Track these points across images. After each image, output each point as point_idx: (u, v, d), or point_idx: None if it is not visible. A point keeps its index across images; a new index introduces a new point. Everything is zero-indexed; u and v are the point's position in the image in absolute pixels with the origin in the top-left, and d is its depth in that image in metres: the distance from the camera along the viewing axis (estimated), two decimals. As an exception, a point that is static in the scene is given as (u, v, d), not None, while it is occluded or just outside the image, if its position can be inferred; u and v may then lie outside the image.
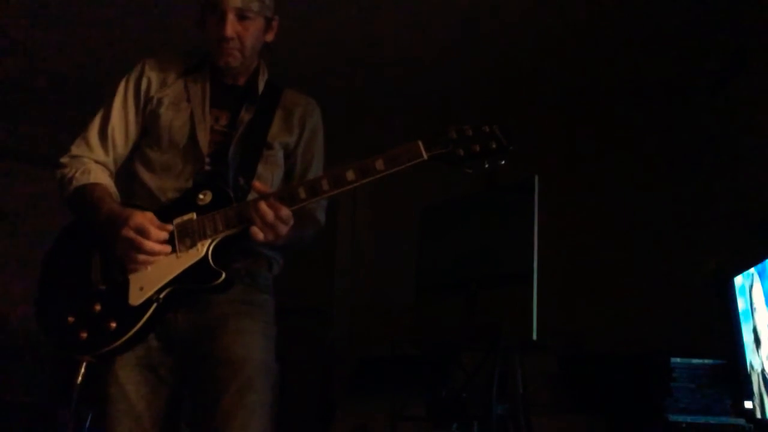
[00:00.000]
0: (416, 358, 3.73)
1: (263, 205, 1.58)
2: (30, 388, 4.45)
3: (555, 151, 4.19)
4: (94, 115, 1.84)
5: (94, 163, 1.79)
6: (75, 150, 1.81)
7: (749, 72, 3.37)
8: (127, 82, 1.85)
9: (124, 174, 1.86)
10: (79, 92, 4.49)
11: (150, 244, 1.59)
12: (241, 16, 1.74)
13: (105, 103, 1.84)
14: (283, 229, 1.60)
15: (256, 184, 1.67)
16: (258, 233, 1.59)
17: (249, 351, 1.68)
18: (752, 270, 2.46)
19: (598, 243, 4.05)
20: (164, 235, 1.62)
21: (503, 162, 1.61)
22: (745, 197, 3.36)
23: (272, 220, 1.58)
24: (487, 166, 1.61)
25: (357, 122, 4.63)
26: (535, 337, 2.56)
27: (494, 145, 1.59)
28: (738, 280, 2.59)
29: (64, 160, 1.80)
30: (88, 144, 1.81)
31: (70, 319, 1.62)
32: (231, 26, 1.72)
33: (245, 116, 1.82)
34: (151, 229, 1.60)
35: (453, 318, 2.94)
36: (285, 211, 1.59)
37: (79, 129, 1.84)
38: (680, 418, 2.66)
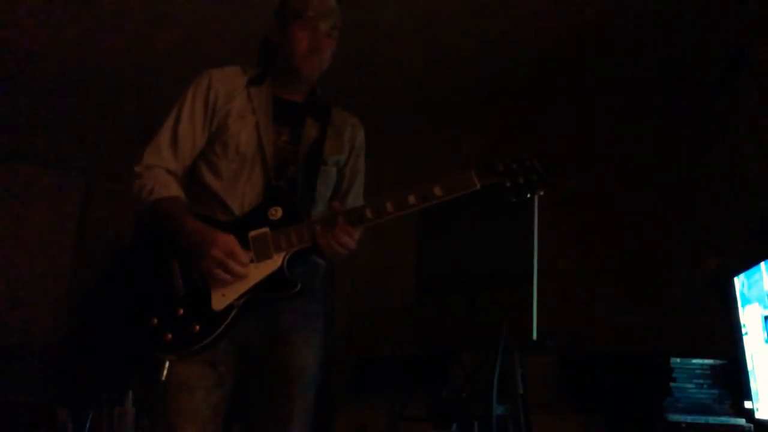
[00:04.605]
0: (416, 358, 3.72)
1: (340, 233, 1.74)
2: (30, 388, 4.45)
3: (555, 151, 4.19)
4: (162, 123, 1.92)
5: (166, 174, 1.88)
6: (148, 159, 1.89)
7: (749, 72, 3.37)
8: (194, 92, 1.92)
9: (187, 176, 1.94)
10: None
11: (237, 267, 1.72)
12: (330, 35, 1.88)
13: (173, 112, 1.92)
14: (353, 246, 1.79)
15: (336, 205, 1.82)
16: (333, 255, 1.78)
17: (307, 362, 1.85)
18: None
19: (598, 243, 4.05)
20: (247, 259, 1.75)
21: (542, 193, 1.80)
22: (745, 197, 3.36)
23: (347, 242, 1.76)
24: (528, 196, 1.79)
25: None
26: (535, 337, 2.56)
27: (535, 178, 1.77)
28: (738, 280, 2.60)
29: (138, 169, 1.88)
30: (159, 153, 1.89)
31: (154, 321, 1.74)
32: (326, 40, 1.87)
33: (311, 133, 1.93)
34: (239, 253, 1.73)
35: (453, 318, 2.94)
36: (356, 233, 1.78)
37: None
38: (680, 418, 2.66)
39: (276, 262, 1.76)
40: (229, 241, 1.74)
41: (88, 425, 3.74)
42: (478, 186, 1.74)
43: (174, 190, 1.86)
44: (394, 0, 3.55)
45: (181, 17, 3.76)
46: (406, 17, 3.69)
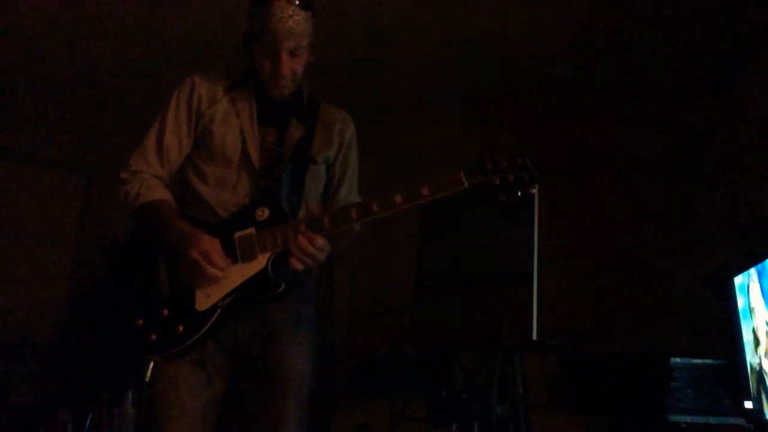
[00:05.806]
0: (416, 358, 3.72)
1: (302, 240, 1.71)
2: (30, 388, 4.44)
3: (555, 151, 4.19)
4: (148, 129, 1.93)
5: (153, 178, 1.89)
6: (134, 165, 1.90)
7: (749, 72, 3.37)
8: (178, 98, 1.93)
9: (176, 181, 1.95)
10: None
11: (211, 270, 1.72)
12: (294, 54, 1.83)
13: (158, 118, 1.93)
14: (322, 256, 1.75)
15: (310, 206, 1.80)
16: (297, 264, 1.73)
17: (297, 363, 1.83)
18: (752, 269, 2.47)
19: (598, 243, 4.05)
20: (225, 264, 1.74)
21: (534, 190, 1.75)
22: (745, 197, 3.36)
23: (311, 251, 1.71)
24: (519, 194, 1.71)
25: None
26: (535, 337, 2.56)
27: (526, 176, 1.70)
28: (738, 279, 2.60)
29: (124, 175, 1.89)
30: (145, 159, 1.90)
31: (139, 321, 1.76)
32: (286, 65, 1.82)
33: (295, 133, 1.91)
34: (214, 257, 1.72)
35: (453, 318, 2.94)
36: (321, 241, 1.72)
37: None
38: (680, 418, 2.66)
39: (260, 262, 1.75)
40: (209, 242, 1.73)
41: (88, 425, 3.74)
42: (467, 185, 1.70)
43: (160, 193, 1.86)
44: None
45: (181, 17, 3.76)
46: (403, 15, 3.70)
